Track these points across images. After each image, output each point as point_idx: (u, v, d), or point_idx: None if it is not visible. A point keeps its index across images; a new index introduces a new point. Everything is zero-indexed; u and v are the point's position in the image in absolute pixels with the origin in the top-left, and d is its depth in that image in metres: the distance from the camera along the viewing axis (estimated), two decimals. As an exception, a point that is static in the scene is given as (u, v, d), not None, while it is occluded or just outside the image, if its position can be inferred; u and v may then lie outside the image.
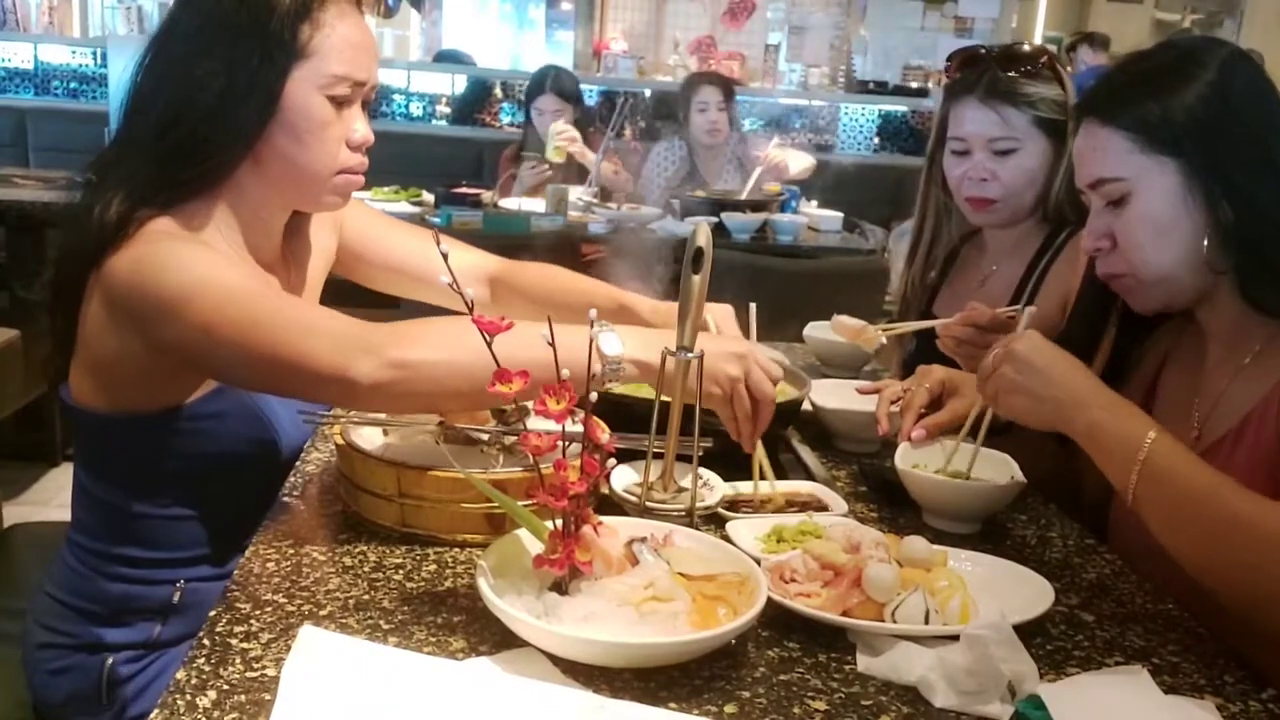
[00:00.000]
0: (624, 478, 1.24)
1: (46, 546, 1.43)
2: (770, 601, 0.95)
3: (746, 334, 1.45)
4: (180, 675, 0.85)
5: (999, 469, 1.31)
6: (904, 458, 1.31)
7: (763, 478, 1.28)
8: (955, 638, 0.91)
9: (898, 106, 6.13)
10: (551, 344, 0.95)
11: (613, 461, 1.01)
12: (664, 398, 1.16)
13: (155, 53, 1.22)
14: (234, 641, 0.90)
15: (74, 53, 5.69)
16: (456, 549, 1.11)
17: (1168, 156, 1.18)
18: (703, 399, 1.16)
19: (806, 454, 1.45)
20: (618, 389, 1.42)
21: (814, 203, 4.25)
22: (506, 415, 1.20)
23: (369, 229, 1.51)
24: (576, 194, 3.78)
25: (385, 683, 0.84)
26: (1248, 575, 1.02)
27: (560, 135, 3.87)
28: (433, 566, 1.07)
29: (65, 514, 1.36)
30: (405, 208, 3.78)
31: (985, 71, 1.71)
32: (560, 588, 0.94)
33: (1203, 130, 1.16)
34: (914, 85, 6.10)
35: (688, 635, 0.90)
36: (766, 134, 4.26)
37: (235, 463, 1.27)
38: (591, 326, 1.01)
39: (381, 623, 0.95)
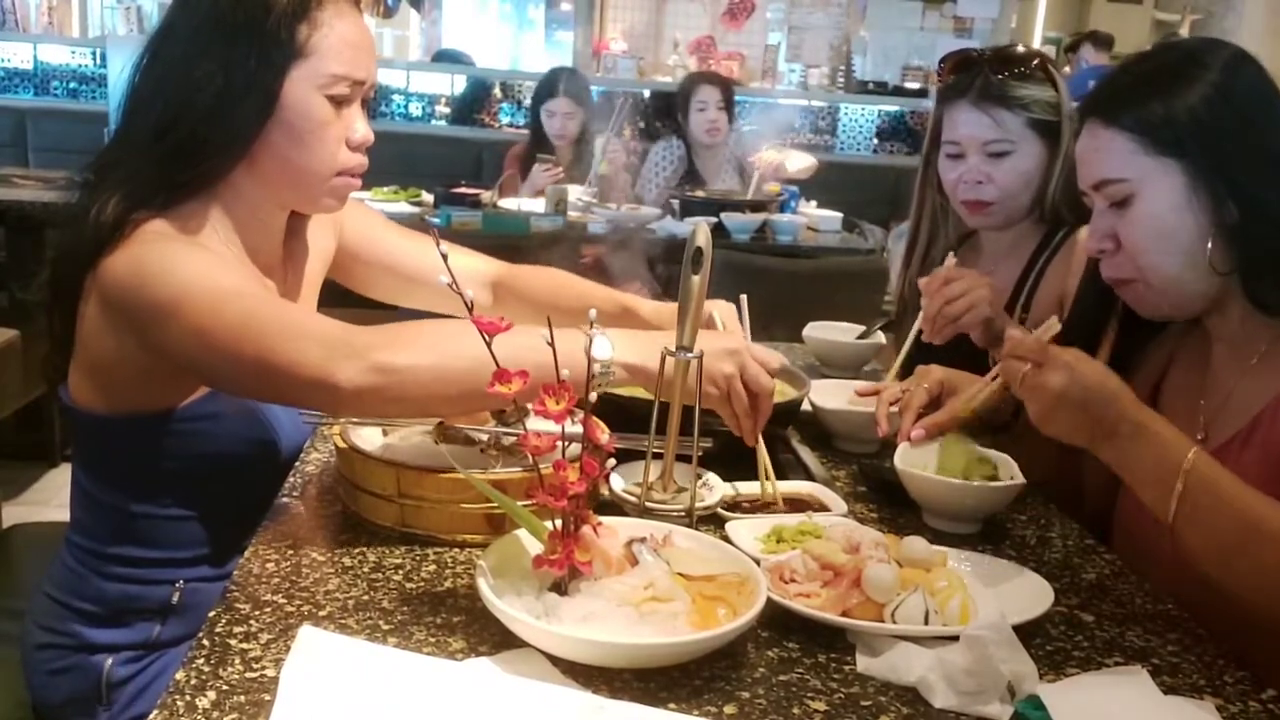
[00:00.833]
0: (624, 478, 1.24)
1: (46, 547, 1.43)
2: (770, 602, 0.95)
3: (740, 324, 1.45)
4: (180, 676, 0.85)
5: (999, 469, 1.31)
6: (903, 458, 1.31)
7: (766, 477, 1.28)
8: (955, 638, 0.91)
9: (897, 107, 6.13)
10: (551, 344, 0.95)
11: (612, 462, 1.01)
12: (661, 399, 1.16)
13: (153, 53, 1.21)
14: (233, 642, 0.90)
15: (73, 53, 5.69)
16: (456, 549, 1.11)
17: (1172, 157, 1.18)
18: (701, 400, 1.16)
19: (806, 454, 1.45)
20: (618, 389, 1.42)
21: (813, 203, 4.25)
22: (506, 415, 1.20)
23: (369, 230, 1.50)
24: (576, 194, 3.78)
25: (385, 683, 0.84)
26: None
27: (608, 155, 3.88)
28: (432, 567, 1.07)
29: (65, 514, 1.36)
30: (404, 208, 3.78)
31: (978, 75, 1.71)
32: (560, 588, 0.94)
33: (1207, 131, 1.16)
34: (913, 86, 6.10)
35: (687, 636, 0.90)
36: (765, 134, 4.25)
37: (234, 463, 1.27)
38: (589, 328, 1.01)
39: (381, 623, 0.95)
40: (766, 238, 3.63)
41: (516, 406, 0.99)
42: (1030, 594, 1.04)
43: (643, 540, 1.01)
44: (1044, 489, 1.39)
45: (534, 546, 0.98)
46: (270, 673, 0.86)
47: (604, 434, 0.98)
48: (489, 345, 0.95)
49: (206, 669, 0.86)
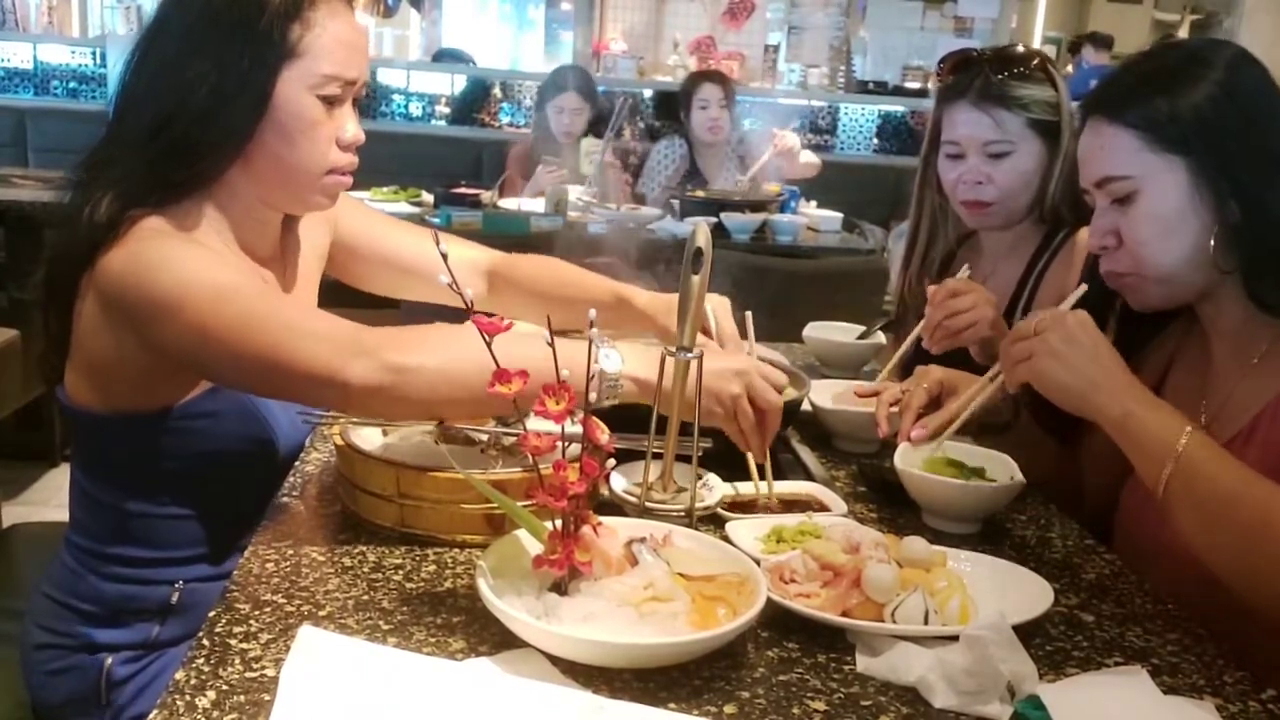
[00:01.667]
0: (623, 478, 1.24)
1: (46, 547, 1.43)
2: (770, 602, 0.95)
3: (744, 339, 1.45)
4: (179, 676, 0.85)
5: (999, 469, 1.31)
6: (903, 458, 1.31)
7: (761, 478, 1.28)
8: (955, 638, 0.91)
9: (897, 107, 6.13)
10: (552, 349, 0.95)
11: (612, 462, 1.01)
12: (662, 411, 1.16)
13: (145, 52, 1.21)
14: (233, 642, 0.90)
15: (73, 52, 5.68)
16: (456, 549, 1.11)
17: (1176, 155, 1.18)
18: (705, 418, 1.16)
19: (806, 454, 1.45)
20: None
21: (813, 203, 4.25)
22: (506, 416, 1.20)
23: (366, 226, 1.50)
24: (576, 194, 3.78)
25: (385, 683, 0.84)
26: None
27: (591, 153, 3.89)
28: (432, 567, 1.07)
29: (64, 514, 1.36)
30: (404, 208, 3.78)
31: (977, 75, 1.71)
32: (560, 588, 0.94)
33: (1211, 129, 1.16)
34: (914, 85, 6.10)
35: (687, 635, 0.90)
36: (767, 132, 4.25)
37: (232, 462, 1.27)
38: (590, 331, 1.01)
39: (381, 623, 0.95)
40: (766, 238, 3.63)
41: (517, 411, 0.99)
42: (1030, 594, 1.04)
43: (643, 540, 1.01)
44: (1044, 489, 1.39)
45: (534, 546, 0.98)
46: (270, 673, 0.86)
47: (604, 434, 0.98)
48: (489, 345, 0.95)
49: (206, 669, 0.86)
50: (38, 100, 5.63)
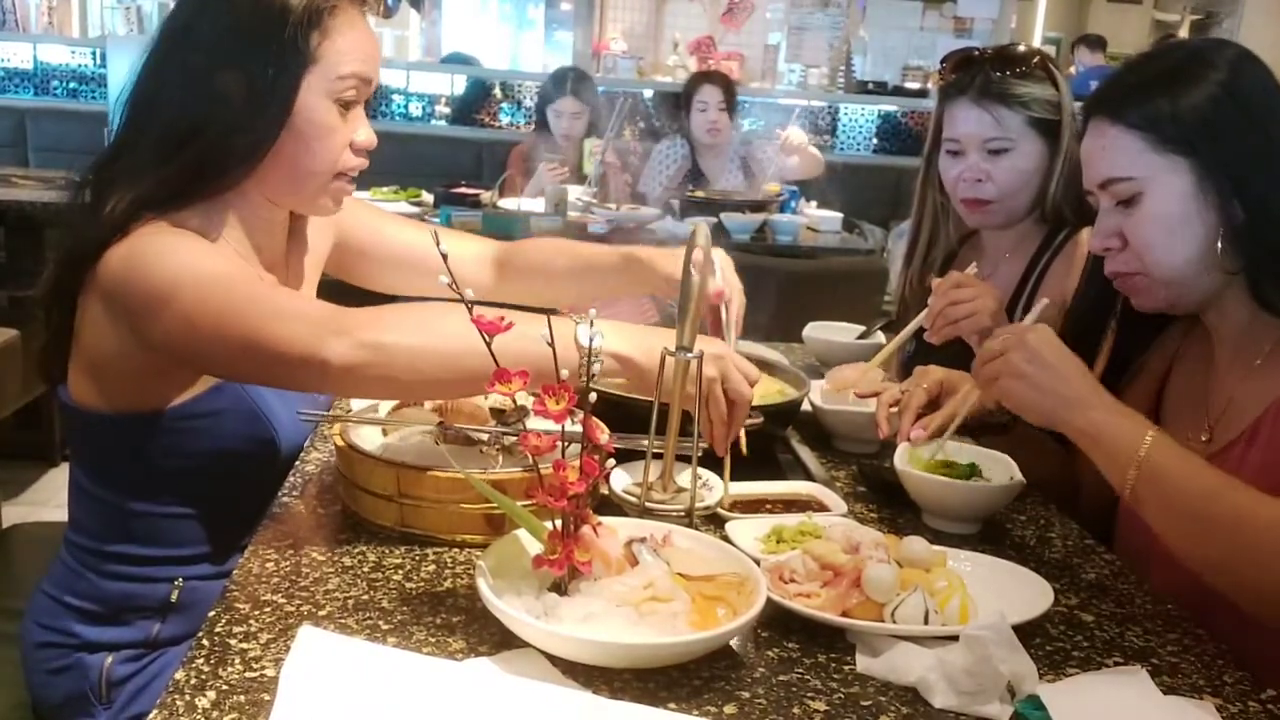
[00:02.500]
0: (623, 478, 1.24)
1: (46, 546, 1.43)
2: (770, 602, 0.95)
3: (727, 333, 1.44)
4: (179, 675, 0.85)
5: (999, 469, 1.31)
6: (903, 458, 1.31)
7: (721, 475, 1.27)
8: (955, 638, 0.91)
9: (897, 107, 6.13)
10: (552, 349, 0.95)
11: (612, 462, 1.01)
12: (645, 397, 1.16)
13: (163, 58, 1.21)
14: (233, 642, 0.90)
15: (73, 53, 5.69)
16: (456, 549, 1.11)
17: (1179, 155, 1.18)
18: (681, 400, 1.16)
19: (806, 454, 1.45)
20: (617, 389, 1.42)
21: (813, 203, 4.25)
22: (506, 415, 1.20)
23: (369, 223, 1.51)
24: (576, 194, 3.78)
25: (385, 683, 0.84)
26: (1252, 571, 1.02)
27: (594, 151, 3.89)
28: (432, 567, 1.07)
29: (64, 514, 1.36)
30: (405, 207, 3.78)
31: (978, 73, 1.71)
32: (560, 588, 0.94)
33: (1214, 129, 1.16)
34: (914, 86, 6.10)
35: (687, 635, 0.90)
36: (768, 133, 4.26)
37: (232, 461, 1.27)
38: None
39: (381, 623, 0.95)
40: (766, 238, 3.63)
41: (517, 406, 0.99)
42: (1030, 594, 1.04)
43: (643, 540, 1.01)
44: (1044, 489, 1.39)
45: (534, 546, 0.98)
46: (270, 672, 0.86)
47: (603, 434, 0.98)
48: (489, 345, 0.95)
49: (206, 669, 0.86)
50: (38, 100, 5.63)
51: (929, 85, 5.99)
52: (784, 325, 2.03)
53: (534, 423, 0.99)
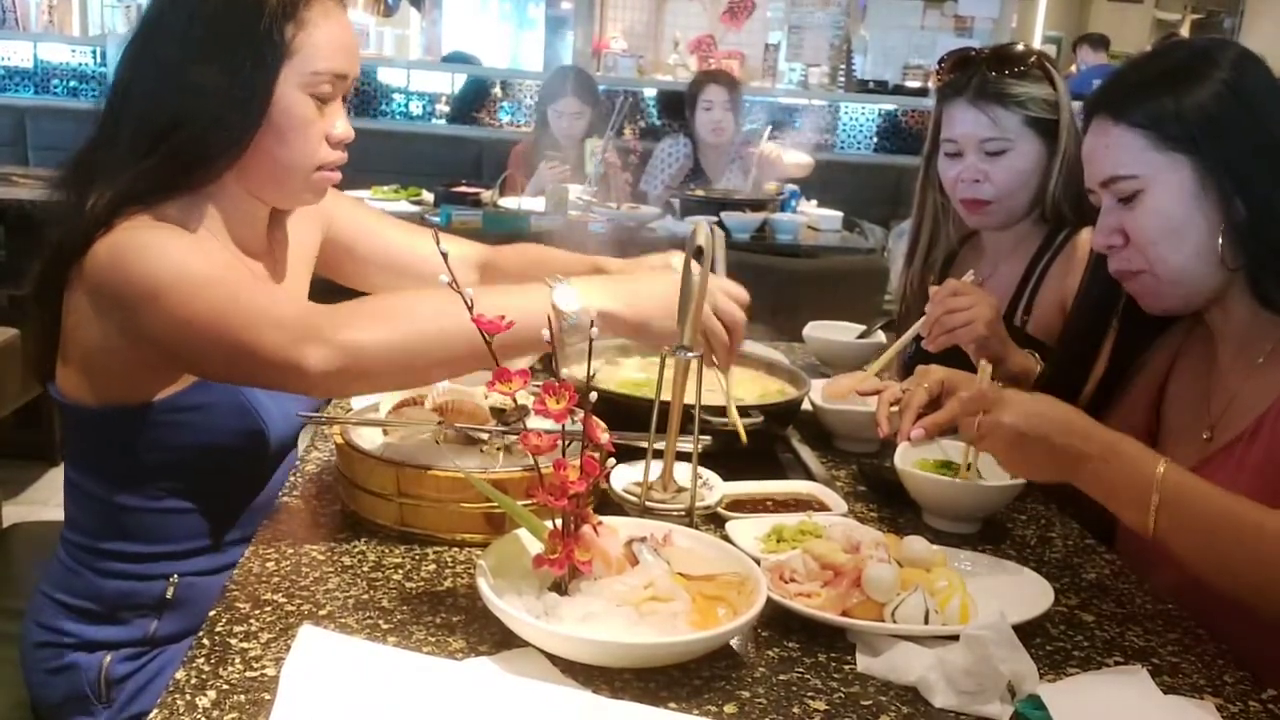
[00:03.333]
0: (624, 477, 1.24)
1: (45, 546, 1.43)
2: (770, 601, 0.95)
3: (714, 266, 1.43)
4: (180, 675, 0.85)
5: (999, 469, 1.31)
6: (903, 457, 1.31)
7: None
8: (955, 638, 0.91)
9: (897, 106, 6.13)
10: (552, 342, 0.95)
11: (612, 461, 1.01)
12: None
13: (140, 52, 1.21)
14: (233, 641, 0.90)
15: (74, 51, 5.68)
16: (456, 549, 1.11)
17: (1182, 153, 1.18)
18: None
19: (806, 454, 1.45)
20: (616, 388, 1.42)
21: (814, 202, 4.25)
22: (506, 415, 1.20)
23: (361, 222, 1.51)
24: (576, 193, 3.78)
25: (385, 683, 0.84)
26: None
27: (595, 153, 3.88)
28: (432, 566, 1.07)
29: (63, 513, 1.36)
30: (405, 207, 3.78)
31: (975, 73, 1.71)
32: (560, 588, 0.94)
33: (1217, 127, 1.16)
34: (914, 85, 6.10)
35: (687, 635, 0.90)
36: (762, 131, 4.25)
37: (223, 455, 1.27)
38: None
39: (381, 622, 0.95)
40: (766, 237, 3.63)
41: (518, 405, 0.99)
42: (1030, 594, 1.04)
43: (643, 540, 1.01)
44: (1044, 489, 1.39)
45: (534, 546, 0.98)
46: (270, 672, 0.86)
47: (604, 433, 0.98)
48: (489, 345, 0.96)
49: (206, 668, 0.86)
50: (38, 99, 5.63)
51: (929, 84, 5.98)
52: (784, 325, 2.03)
53: (534, 422, 0.99)
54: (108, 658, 1.27)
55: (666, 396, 1.16)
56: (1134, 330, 1.40)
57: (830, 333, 1.96)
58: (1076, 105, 1.54)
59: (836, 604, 0.97)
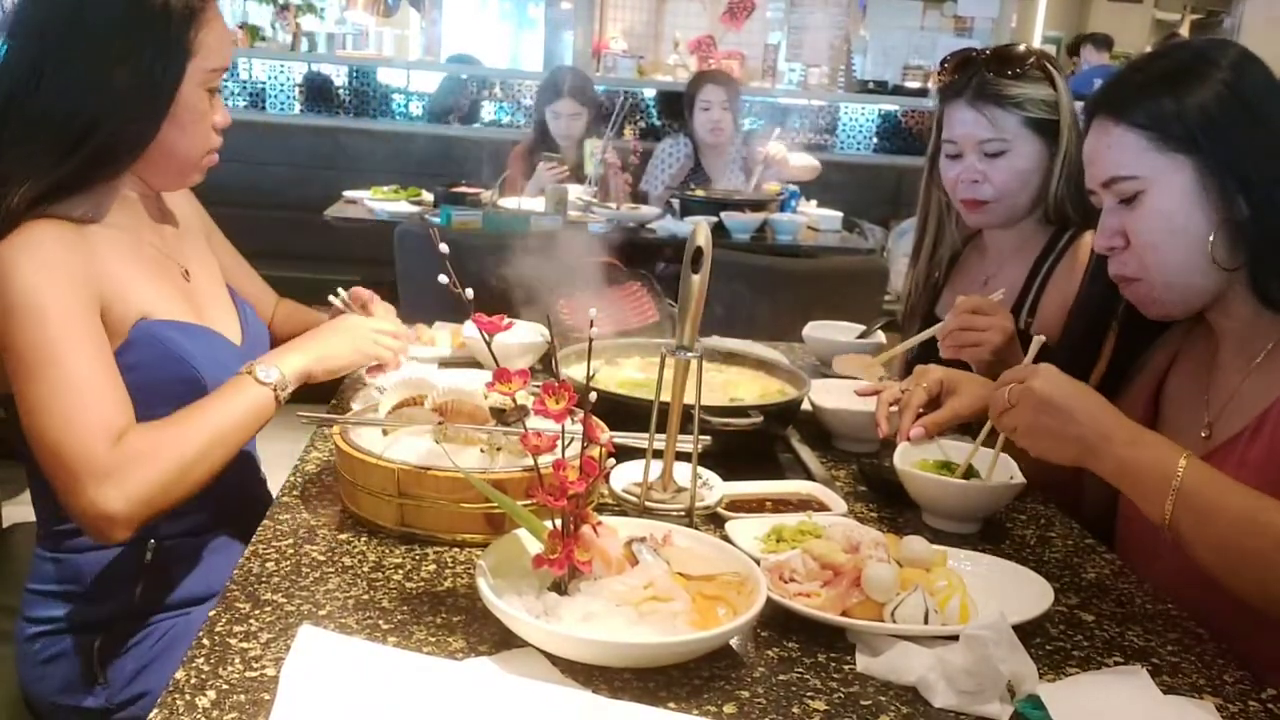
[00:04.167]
0: (624, 477, 1.24)
1: (45, 546, 1.44)
2: (770, 601, 0.95)
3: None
4: (179, 675, 0.85)
5: (999, 469, 1.31)
6: (903, 457, 1.31)
7: None
8: (954, 638, 0.91)
9: (897, 106, 6.13)
10: (552, 345, 0.95)
11: (612, 461, 1.01)
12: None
13: (37, 53, 1.22)
14: (233, 641, 0.90)
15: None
16: (456, 549, 1.11)
17: (1183, 154, 1.18)
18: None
19: (806, 454, 1.45)
20: (616, 388, 1.43)
21: (813, 202, 4.25)
22: (506, 415, 1.20)
23: (226, 259, 1.56)
24: (576, 193, 3.78)
25: (385, 683, 0.84)
26: None
27: (595, 154, 3.88)
28: (432, 566, 1.07)
29: (64, 513, 1.36)
30: (405, 206, 3.77)
31: (974, 74, 1.71)
32: (560, 587, 0.94)
33: (1218, 127, 1.17)
34: (914, 85, 6.10)
35: (687, 635, 0.90)
36: (769, 132, 4.25)
37: (164, 409, 1.23)
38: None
39: (381, 623, 0.95)
40: (766, 237, 3.63)
41: (517, 405, 0.99)
42: (1030, 594, 1.04)
43: (643, 540, 1.01)
44: (1044, 489, 1.39)
45: (534, 546, 0.98)
46: (270, 672, 0.86)
47: (603, 433, 0.98)
48: (489, 344, 0.96)
49: (206, 668, 0.86)
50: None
51: (929, 85, 5.99)
52: (784, 325, 2.03)
53: (534, 422, 0.99)
54: (98, 640, 1.29)
55: (666, 397, 1.16)
56: (1134, 332, 1.40)
57: (830, 333, 1.96)
58: (1078, 104, 1.55)
59: (836, 604, 0.97)
